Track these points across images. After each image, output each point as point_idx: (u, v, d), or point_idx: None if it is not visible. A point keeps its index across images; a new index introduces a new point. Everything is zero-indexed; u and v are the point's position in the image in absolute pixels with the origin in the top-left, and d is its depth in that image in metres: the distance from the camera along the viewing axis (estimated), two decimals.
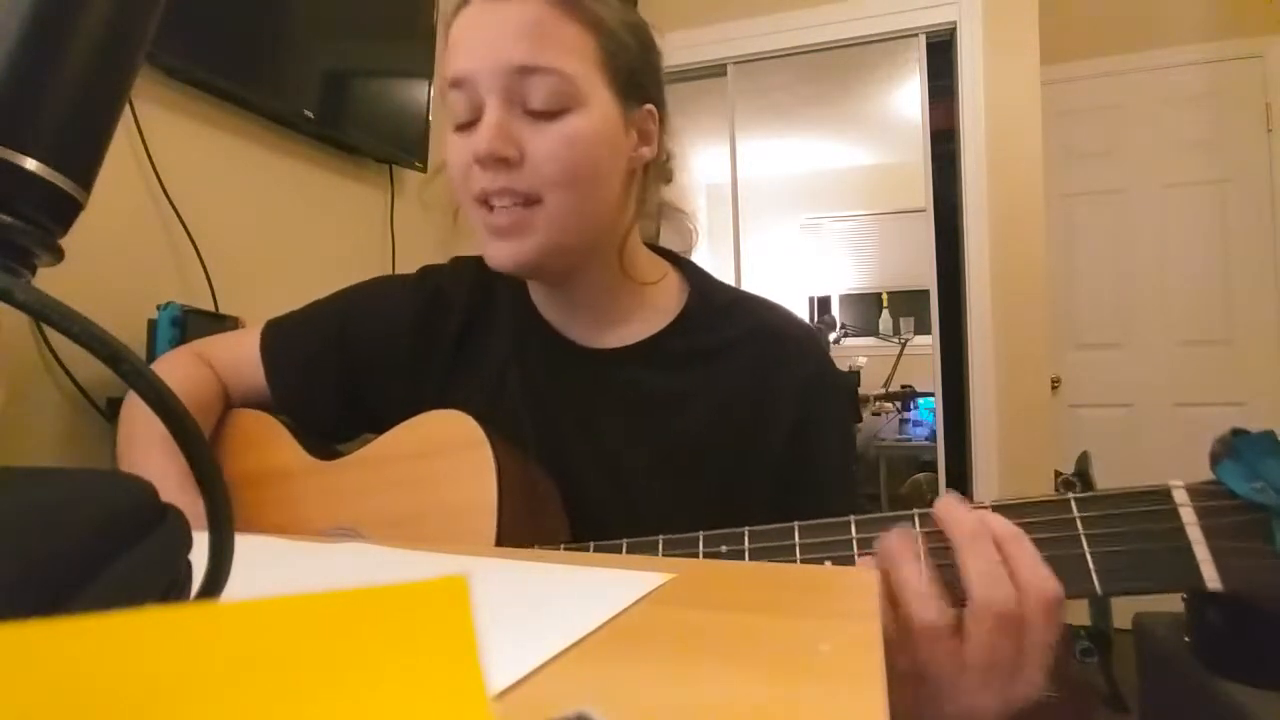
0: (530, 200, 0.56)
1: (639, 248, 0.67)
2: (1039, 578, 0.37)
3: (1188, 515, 0.38)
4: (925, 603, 0.38)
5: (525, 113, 0.55)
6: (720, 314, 0.66)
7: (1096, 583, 0.38)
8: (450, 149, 0.59)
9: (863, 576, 0.33)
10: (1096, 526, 0.39)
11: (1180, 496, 0.38)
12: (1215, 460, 0.39)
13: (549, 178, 0.55)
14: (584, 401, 0.65)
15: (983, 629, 0.37)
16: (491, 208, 0.57)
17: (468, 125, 0.57)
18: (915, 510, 0.42)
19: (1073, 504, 0.40)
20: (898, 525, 0.42)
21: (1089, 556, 0.39)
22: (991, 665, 0.37)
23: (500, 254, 0.58)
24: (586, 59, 0.56)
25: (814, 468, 0.62)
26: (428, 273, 0.73)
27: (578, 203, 0.57)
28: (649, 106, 0.62)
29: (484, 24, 0.56)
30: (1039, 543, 0.38)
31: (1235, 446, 0.38)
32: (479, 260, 0.72)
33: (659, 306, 0.67)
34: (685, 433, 0.63)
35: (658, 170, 0.65)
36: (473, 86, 0.56)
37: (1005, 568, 0.38)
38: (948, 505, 0.41)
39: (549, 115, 0.55)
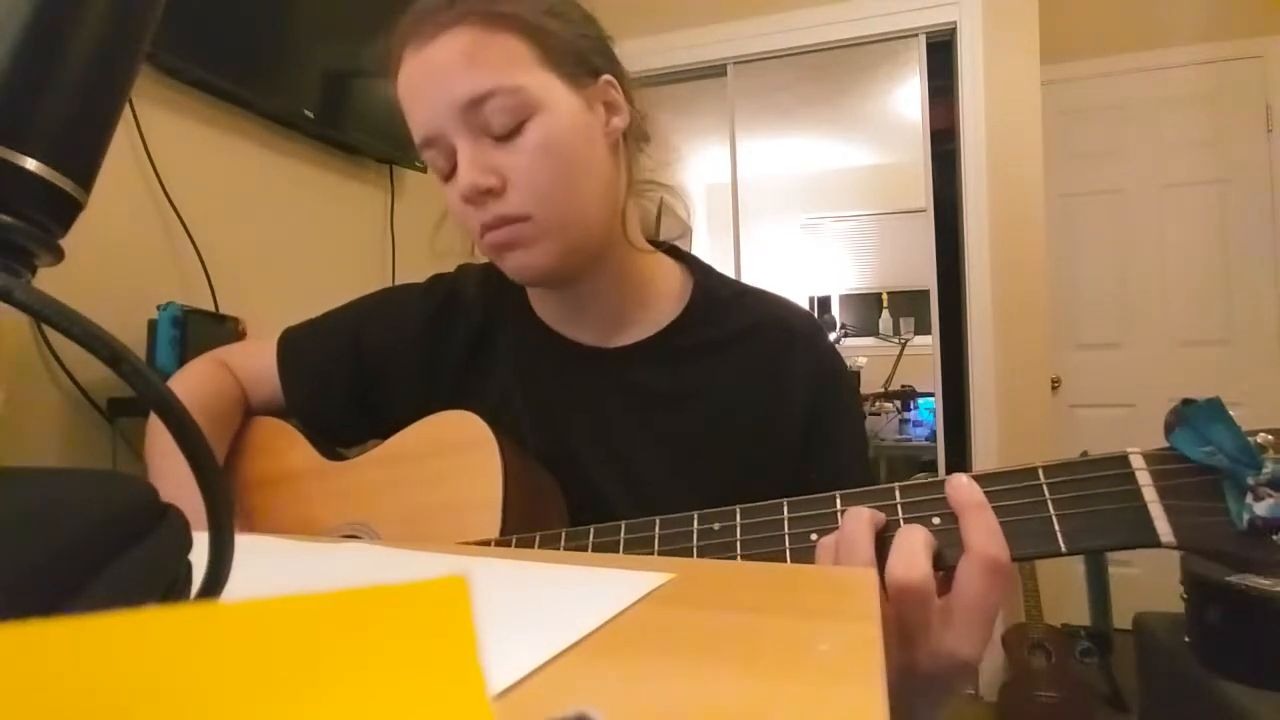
0: (521, 219, 0.57)
1: (636, 222, 0.67)
2: (990, 540, 0.41)
3: (1144, 478, 0.41)
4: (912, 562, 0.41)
5: (493, 139, 0.56)
6: (725, 307, 0.67)
7: (1061, 542, 0.41)
8: (448, 199, 0.60)
9: (862, 576, 0.33)
10: (1061, 492, 0.42)
11: (1137, 462, 0.42)
12: (1169, 429, 0.42)
13: (533, 193, 0.56)
14: (594, 403, 0.64)
15: (974, 579, 0.41)
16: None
17: (451, 173, 0.58)
18: (896, 484, 0.45)
19: (1040, 472, 0.43)
20: (878, 498, 0.45)
21: (1054, 519, 0.42)
22: (975, 610, 0.40)
23: (515, 264, 0.59)
24: (525, 62, 0.56)
25: (827, 456, 0.63)
26: (437, 281, 0.73)
27: (569, 205, 0.57)
28: (605, 77, 0.61)
29: (422, 75, 0.57)
30: (1009, 508, 0.42)
31: (1186, 415, 0.41)
32: (486, 267, 0.72)
33: (663, 302, 0.67)
34: (698, 428, 0.63)
35: (637, 133, 0.65)
36: (441, 138, 0.57)
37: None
38: (955, 484, 0.44)
39: (514, 133, 0.56)
